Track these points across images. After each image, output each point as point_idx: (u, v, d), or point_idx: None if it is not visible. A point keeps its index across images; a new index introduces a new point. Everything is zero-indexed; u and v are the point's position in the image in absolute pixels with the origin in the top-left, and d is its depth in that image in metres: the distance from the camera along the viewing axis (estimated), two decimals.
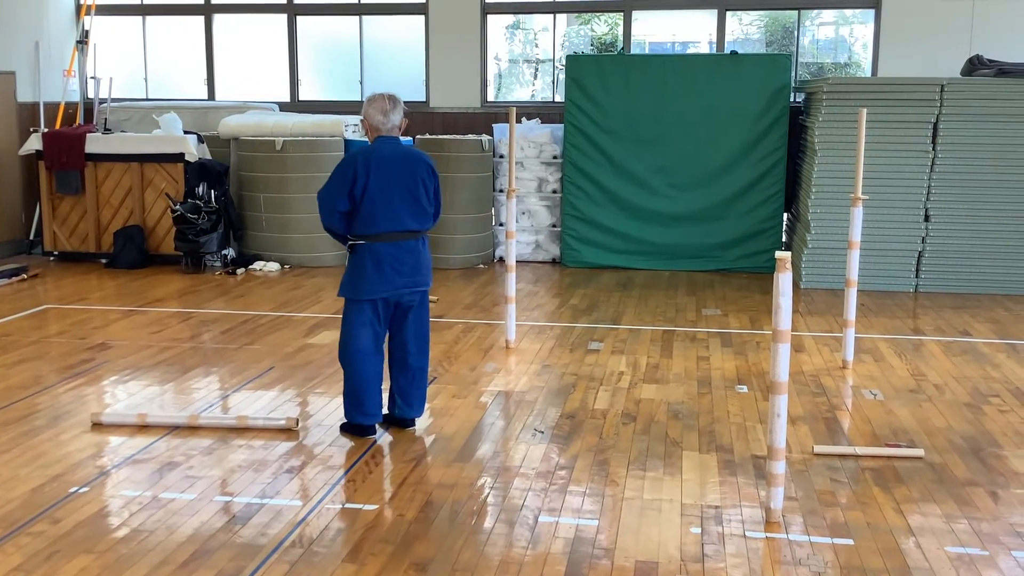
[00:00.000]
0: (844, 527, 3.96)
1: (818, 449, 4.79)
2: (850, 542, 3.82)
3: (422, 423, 5.15)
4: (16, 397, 5.52)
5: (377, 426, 4.99)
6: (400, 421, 5.04)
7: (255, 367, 6.21)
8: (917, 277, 8.84)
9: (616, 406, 5.47)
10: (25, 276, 9.03)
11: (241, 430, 5.00)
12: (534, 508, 4.10)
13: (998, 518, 4.07)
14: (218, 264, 9.62)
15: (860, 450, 4.79)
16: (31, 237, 10.45)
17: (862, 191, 6.34)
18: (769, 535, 3.89)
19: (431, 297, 8.75)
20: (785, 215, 9.91)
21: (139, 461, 4.58)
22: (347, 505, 4.12)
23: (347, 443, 4.87)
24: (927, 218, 8.78)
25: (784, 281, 3.81)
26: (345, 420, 4.98)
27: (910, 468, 4.61)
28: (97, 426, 5.04)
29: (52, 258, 10.04)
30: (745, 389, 5.82)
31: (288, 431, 5.01)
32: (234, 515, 4.00)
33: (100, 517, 3.96)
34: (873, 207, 8.33)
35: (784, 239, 9.93)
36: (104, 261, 9.76)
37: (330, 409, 5.36)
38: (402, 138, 10.25)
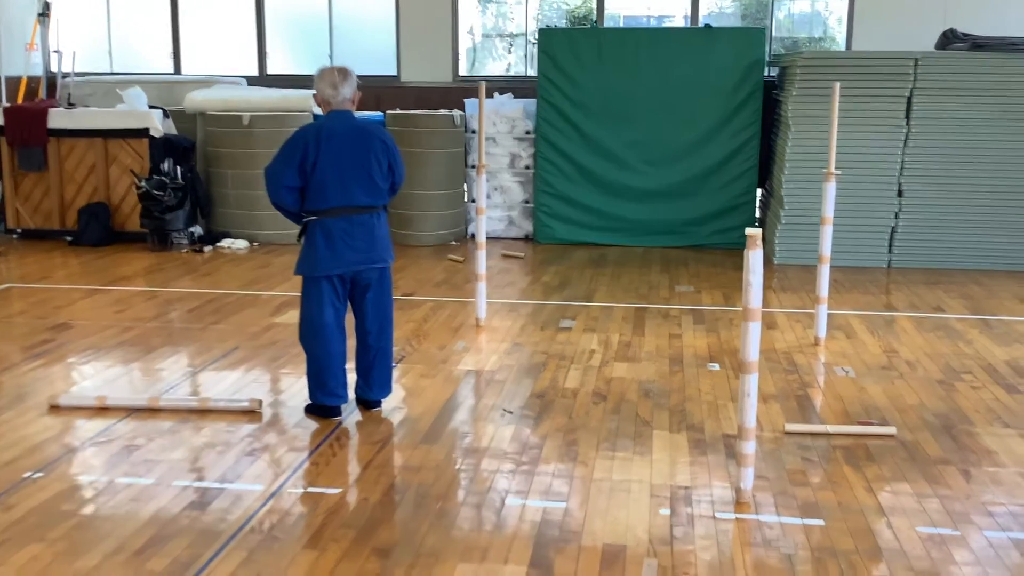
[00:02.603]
0: (815, 507, 3.91)
1: (789, 427, 4.74)
2: (821, 523, 3.77)
3: (389, 403, 5.05)
4: None
5: (344, 407, 4.89)
6: (364, 402, 4.94)
7: (220, 347, 6.09)
8: (890, 252, 8.81)
9: (587, 385, 5.40)
10: None
11: (203, 412, 4.89)
12: (501, 490, 4.03)
13: (970, 496, 4.04)
14: (185, 242, 9.45)
15: (831, 428, 4.75)
16: None
17: (835, 166, 6.27)
18: (739, 516, 3.84)
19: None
20: (759, 190, 9.85)
21: (97, 444, 4.47)
22: (310, 489, 4.03)
23: (312, 425, 4.78)
24: (900, 193, 8.74)
25: (754, 259, 3.73)
26: (309, 401, 4.88)
27: (882, 446, 4.56)
28: (55, 409, 4.91)
29: (15, 236, 9.83)
30: (717, 367, 5.76)
31: (251, 413, 4.90)
32: (193, 500, 3.89)
33: (54, 503, 3.85)
34: (846, 182, 8.27)
35: (758, 215, 9.88)
36: (69, 239, 9.57)
37: (295, 390, 5.26)
38: (372, 113, 10.12)
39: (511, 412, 4.97)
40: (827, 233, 6.14)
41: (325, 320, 4.71)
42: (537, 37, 9.90)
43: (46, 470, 4.17)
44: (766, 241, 9.33)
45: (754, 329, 3.80)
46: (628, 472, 4.22)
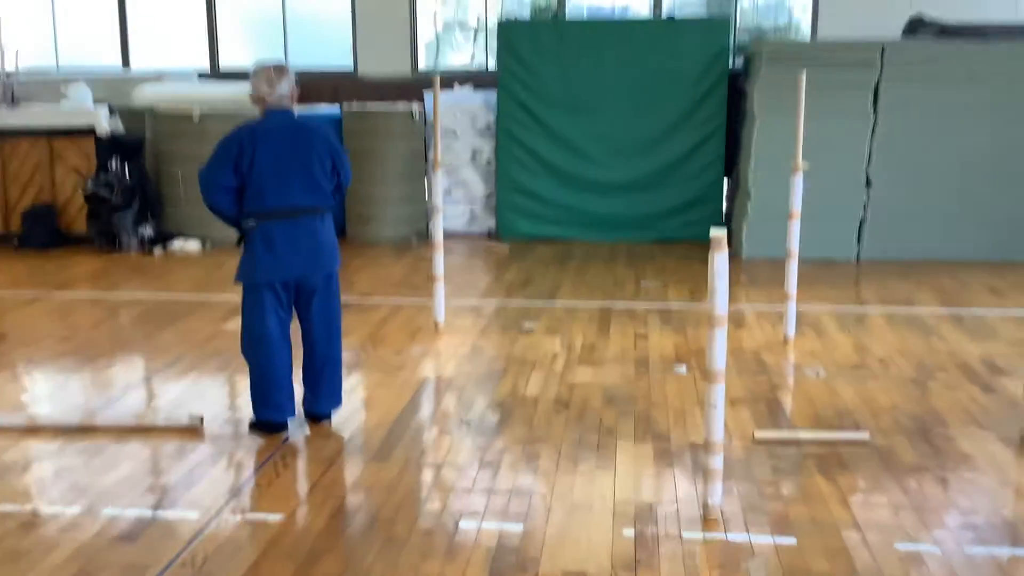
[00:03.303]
0: (787, 523, 3.70)
1: (759, 435, 4.53)
2: (793, 541, 3.56)
3: (341, 416, 4.79)
4: None
5: (291, 422, 4.62)
6: (313, 416, 4.67)
7: (163, 357, 5.79)
8: (859, 244, 8.64)
9: (548, 392, 5.16)
10: None
11: (141, 430, 4.60)
12: (455, 512, 3.78)
13: (947, 507, 3.84)
14: (134, 243, 9.11)
15: (803, 435, 4.54)
16: None
17: (802, 158, 6.07)
18: (707, 535, 3.61)
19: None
20: (726, 181, 9.65)
21: (22, 469, 4.17)
22: (249, 516, 3.76)
23: (257, 443, 4.50)
24: (868, 183, 8.57)
25: (720, 262, 3.51)
26: (253, 417, 4.60)
27: (855, 453, 4.36)
28: None
29: None
30: (684, 370, 5.54)
31: (192, 431, 4.62)
32: (123, 531, 3.61)
33: None
34: (813, 173, 8.00)
35: (725, 207, 9.68)
36: (15, 243, 9.20)
37: (240, 404, 4.98)
38: (328, 106, 9.81)
39: (469, 422, 4.72)
40: (795, 228, 5.95)
41: (268, 330, 4.43)
42: (498, 30, 9.63)
43: None
44: (733, 234, 9.13)
45: (720, 336, 3.58)
46: (590, 488, 3.98)
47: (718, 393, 3.62)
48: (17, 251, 9.00)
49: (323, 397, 4.65)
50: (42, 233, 9.14)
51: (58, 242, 9.18)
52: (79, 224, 9.19)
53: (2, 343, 6.09)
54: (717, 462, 3.69)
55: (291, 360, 4.58)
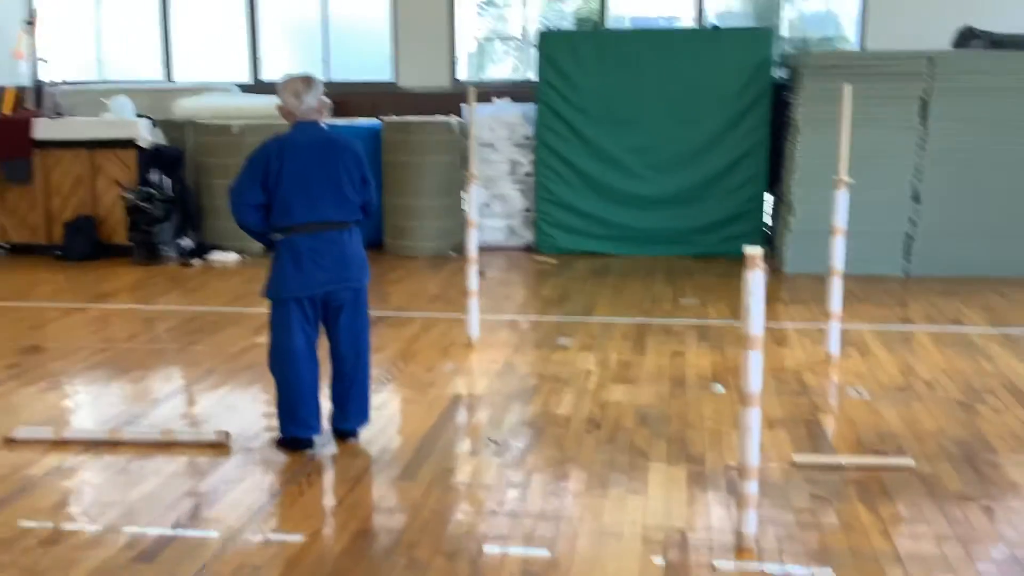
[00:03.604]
0: (825, 554, 3.54)
1: (798, 459, 4.37)
2: (830, 573, 3.40)
3: (369, 433, 4.70)
4: None
5: (317, 439, 4.55)
6: (340, 433, 4.60)
7: (194, 370, 5.76)
8: (906, 261, 8.42)
9: (581, 411, 5.04)
10: None
11: (167, 445, 4.56)
12: (480, 535, 3.68)
13: (994, 539, 3.66)
14: (173, 255, 9.14)
15: (844, 460, 4.38)
16: None
17: (847, 172, 5.91)
18: (740, 564, 3.47)
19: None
20: (769, 196, 9.47)
21: (47, 485, 4.14)
22: (271, 536, 3.68)
23: (283, 460, 4.44)
24: (917, 199, 8.34)
25: (755, 280, 3.38)
26: (280, 434, 4.54)
27: (898, 480, 4.19)
28: (9, 442, 4.58)
29: (2, 251, 9.55)
30: (721, 389, 5.39)
31: (218, 446, 4.56)
32: (142, 550, 3.56)
33: None
34: (859, 187, 7.80)
35: (767, 222, 9.49)
36: (58, 253, 9.28)
37: (269, 419, 4.92)
38: (365, 120, 9.80)
39: (497, 443, 4.61)
40: (839, 244, 5.78)
41: (295, 345, 4.37)
42: (538, 40, 9.55)
43: None
44: (775, 249, 8.95)
45: (755, 358, 3.44)
46: (620, 513, 3.86)
47: (753, 416, 3.48)
48: (58, 262, 9.08)
49: (351, 414, 4.57)
50: (83, 244, 9.21)
51: (99, 253, 9.24)
52: (119, 235, 9.25)
53: (37, 354, 6.10)
54: (752, 488, 3.55)
55: (318, 376, 4.51)
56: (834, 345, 5.89)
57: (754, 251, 3.36)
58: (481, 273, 8.44)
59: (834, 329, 5.88)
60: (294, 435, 4.47)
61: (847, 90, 5.73)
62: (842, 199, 5.76)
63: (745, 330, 3.42)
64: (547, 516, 3.83)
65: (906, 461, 4.36)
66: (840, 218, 5.77)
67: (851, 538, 3.66)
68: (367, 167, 4.46)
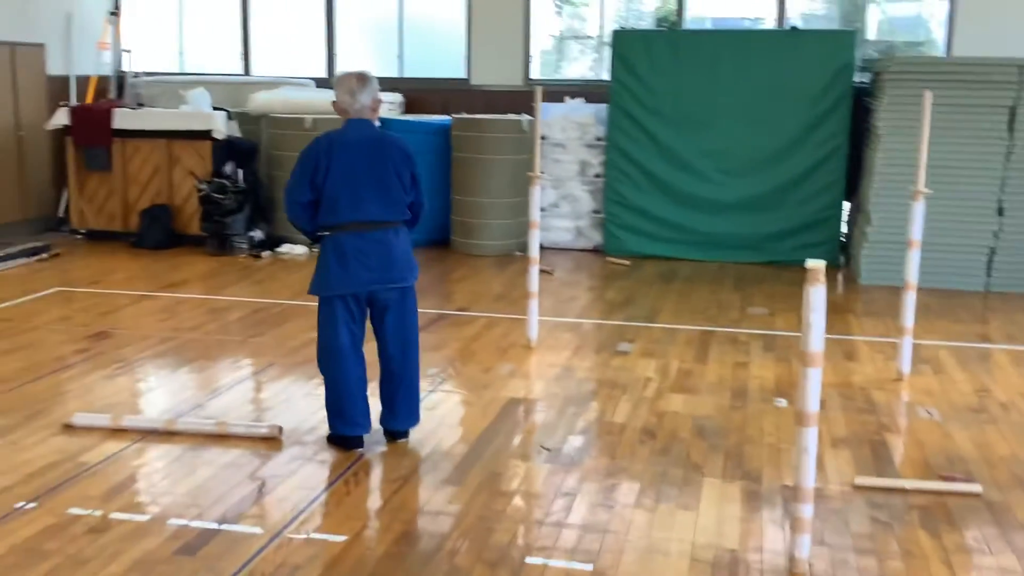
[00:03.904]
0: None
1: (859, 481, 4.20)
2: None
3: (420, 433, 4.67)
4: None
5: (367, 437, 4.53)
6: (389, 433, 4.57)
7: (255, 362, 5.80)
8: (989, 276, 8.09)
9: (636, 420, 4.93)
10: (46, 255, 8.76)
11: (220, 437, 4.58)
12: (523, 546, 3.60)
13: None
14: (244, 246, 9.25)
15: (908, 484, 4.20)
16: (60, 214, 10.20)
17: (928, 183, 5.68)
18: None
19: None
20: (847, 204, 9.20)
21: (100, 472, 4.18)
22: (313, 535, 3.66)
23: (333, 457, 4.42)
24: (1001, 212, 8.02)
25: (815, 296, 3.24)
26: (329, 432, 4.53)
27: (965, 507, 4.00)
28: (68, 428, 4.66)
29: (79, 237, 9.78)
30: (784, 403, 5.23)
31: (271, 440, 4.57)
32: (186, 543, 3.56)
33: (38, 540, 3.56)
34: (941, 199, 7.57)
35: (844, 231, 9.22)
36: (133, 241, 9.46)
37: (323, 415, 4.90)
38: (440, 117, 9.79)
39: (549, 449, 4.54)
40: (914, 258, 5.56)
41: (341, 343, 4.35)
42: (612, 39, 9.43)
43: (40, 500, 3.89)
44: (851, 259, 8.70)
45: (814, 376, 3.30)
46: (669, 530, 3.75)
47: (810, 437, 3.34)
48: (133, 250, 9.25)
49: (399, 414, 4.54)
50: (158, 233, 9.38)
51: (172, 242, 9.40)
52: (193, 226, 9.39)
53: (106, 340, 6.21)
54: (806, 511, 3.41)
55: (365, 375, 4.49)
56: (906, 362, 5.68)
57: (816, 264, 3.22)
58: (549, 271, 8.42)
59: (906, 345, 5.66)
60: (342, 433, 4.45)
61: (927, 97, 5.51)
62: (919, 210, 5.54)
63: (804, 346, 3.29)
64: (594, 528, 3.74)
65: (974, 487, 4.16)
66: (916, 230, 5.55)
67: (910, 566, 3.50)
68: (417, 167, 4.42)
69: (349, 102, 4.32)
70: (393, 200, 4.32)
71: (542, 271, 8.45)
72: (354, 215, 4.27)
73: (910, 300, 5.62)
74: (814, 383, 3.31)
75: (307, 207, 4.31)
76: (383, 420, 4.56)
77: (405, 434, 4.58)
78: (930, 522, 3.86)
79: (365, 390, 4.48)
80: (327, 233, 4.34)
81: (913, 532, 3.78)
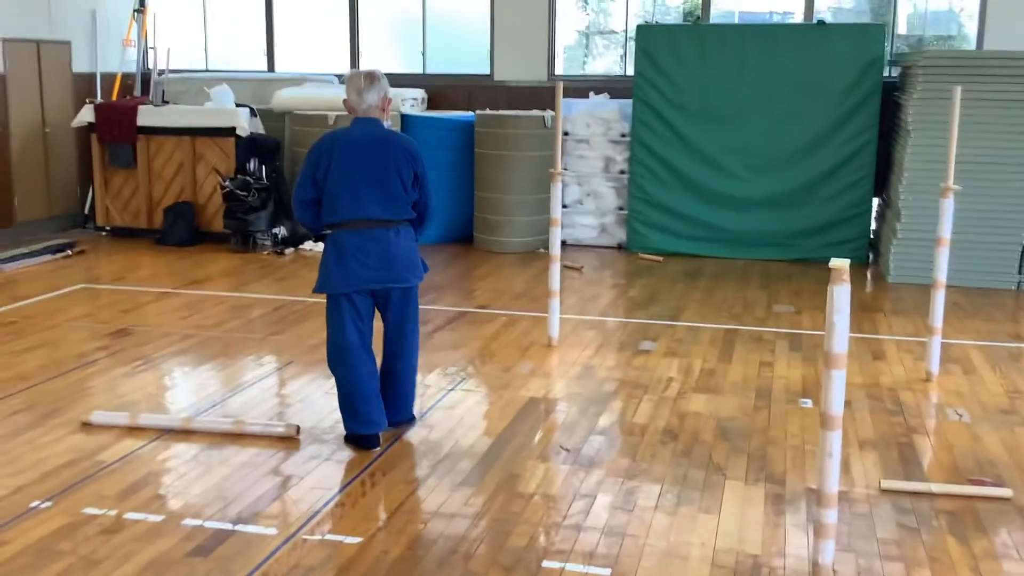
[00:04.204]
0: None
1: (885, 484, 4.11)
2: None
3: (438, 434, 4.63)
4: (13, 389, 5.18)
5: (383, 435, 4.50)
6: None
7: (275, 360, 5.78)
8: (1021, 274, 7.93)
9: (658, 420, 4.86)
10: (71, 252, 8.80)
11: (236, 436, 4.56)
12: (540, 549, 3.54)
13: None
14: (268, 243, 9.25)
15: (936, 487, 4.09)
16: (86, 211, 10.25)
17: (958, 179, 5.56)
18: None
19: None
20: (876, 201, 9.06)
21: (116, 471, 4.16)
22: (327, 537, 3.62)
23: (350, 457, 4.39)
24: None
25: (840, 296, 3.15)
26: (345, 431, 4.49)
27: (994, 512, 3.90)
28: (86, 426, 4.65)
29: (104, 233, 9.82)
30: (810, 404, 5.14)
31: (288, 440, 4.54)
32: (199, 544, 3.53)
33: (52, 540, 3.54)
34: (971, 195, 7.41)
35: (873, 227, 9.08)
36: (157, 238, 9.49)
37: (337, 415, 4.87)
38: (460, 113, 9.72)
39: (568, 450, 4.47)
40: (943, 255, 5.44)
41: (348, 341, 4.36)
42: (636, 34, 9.33)
43: (56, 499, 3.88)
44: (880, 257, 8.57)
45: (837, 378, 3.22)
46: (690, 533, 3.67)
47: (834, 440, 3.26)
48: (157, 246, 9.27)
49: (389, 408, 4.56)
50: (181, 230, 9.39)
51: (196, 239, 9.41)
52: (217, 223, 9.40)
53: (127, 337, 6.21)
54: (830, 516, 3.33)
55: (376, 372, 4.49)
56: (934, 363, 5.56)
57: (840, 263, 3.14)
58: (578, 268, 8.36)
59: (935, 345, 5.54)
60: (356, 431, 4.43)
61: (957, 92, 5.39)
62: (948, 207, 5.42)
63: (827, 348, 3.21)
64: (613, 531, 3.67)
65: (1004, 492, 4.05)
66: (946, 228, 5.43)
67: (937, 573, 3.40)
68: (423, 166, 4.40)
69: (357, 101, 4.32)
70: (393, 199, 4.30)
71: (571, 268, 8.43)
72: (353, 213, 4.27)
73: (939, 299, 5.50)
74: (838, 385, 3.22)
75: (310, 204, 4.34)
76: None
77: (400, 423, 4.63)
78: (958, 527, 3.76)
79: (377, 387, 4.47)
80: (328, 231, 4.38)
81: (941, 538, 3.68)
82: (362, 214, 4.28)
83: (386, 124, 4.43)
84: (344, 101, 4.38)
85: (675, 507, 3.89)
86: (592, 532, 3.67)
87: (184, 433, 4.59)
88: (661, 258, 8.87)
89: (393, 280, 4.35)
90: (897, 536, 3.69)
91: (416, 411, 4.80)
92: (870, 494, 4.04)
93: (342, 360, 4.39)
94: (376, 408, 4.43)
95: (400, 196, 4.32)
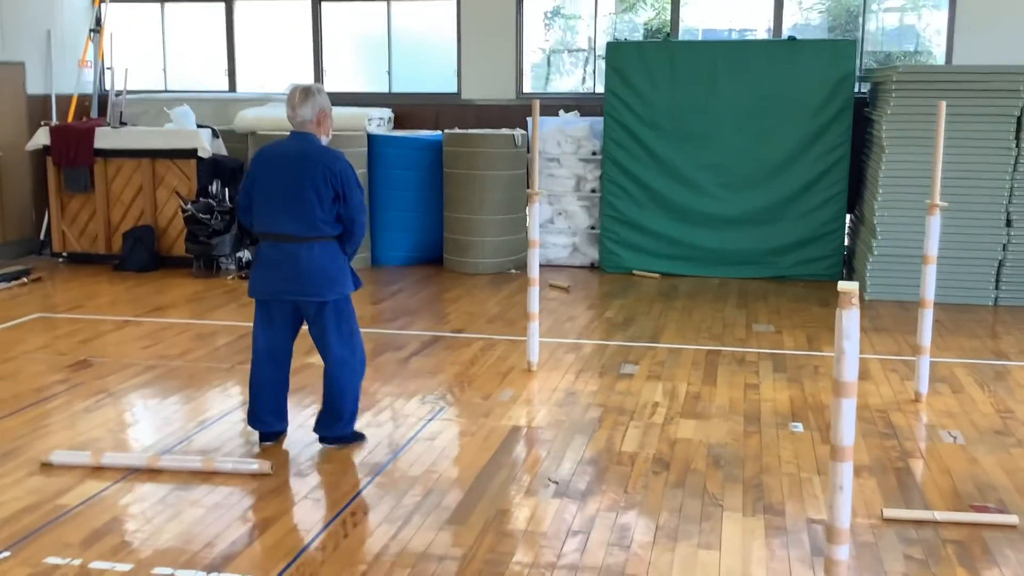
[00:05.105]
0: None
1: (888, 513, 3.97)
2: None
3: (419, 468, 4.43)
4: None
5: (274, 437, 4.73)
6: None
7: (242, 392, 5.53)
8: (997, 289, 7.89)
9: (647, 448, 4.69)
10: (26, 280, 8.47)
11: (207, 475, 4.32)
12: None
13: None
14: (232, 267, 9.00)
15: (939, 515, 3.96)
16: (42, 237, 9.92)
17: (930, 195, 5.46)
18: None
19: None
20: (848, 217, 9.00)
21: (80, 515, 3.91)
22: None
23: (326, 495, 4.17)
24: (1009, 223, 7.82)
25: (850, 321, 3.00)
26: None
27: (1003, 540, 3.77)
28: (46, 466, 4.38)
29: (61, 260, 9.49)
30: (800, 428, 5.00)
31: (262, 476, 4.31)
32: None
33: None
34: (947, 211, 7.36)
35: (847, 244, 9.02)
36: (116, 264, 9.18)
37: (315, 449, 4.66)
38: (430, 132, 9.54)
39: (556, 482, 4.28)
40: (930, 274, 5.34)
41: (256, 343, 4.61)
42: (605, 51, 9.22)
43: (15, 548, 3.62)
44: (855, 273, 8.49)
45: (848, 408, 3.06)
46: (691, 571, 3.50)
47: (845, 473, 3.10)
48: (116, 272, 8.98)
49: (319, 422, 4.69)
50: (141, 255, 9.11)
51: (157, 264, 9.13)
52: (178, 247, 9.13)
53: (87, 370, 5.93)
54: (842, 553, 3.16)
55: (277, 376, 4.62)
56: (923, 383, 5.45)
57: (849, 288, 2.99)
58: (564, 288, 8.20)
59: (924, 364, 5.43)
60: (251, 425, 4.69)
61: (942, 107, 5.31)
62: (934, 225, 5.33)
63: (837, 375, 3.05)
64: (609, 571, 3.49)
65: (1009, 519, 3.93)
66: (932, 245, 5.34)
67: None
68: (347, 184, 4.39)
69: (291, 115, 4.41)
70: (306, 216, 4.36)
71: (557, 287, 8.26)
72: (269, 227, 4.44)
73: (927, 317, 5.40)
74: (848, 414, 3.07)
75: (246, 212, 4.56)
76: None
77: (329, 441, 4.67)
78: (967, 558, 3.63)
79: (274, 391, 4.63)
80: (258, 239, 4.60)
81: (950, 570, 3.54)
82: (276, 228, 4.41)
83: (323, 140, 4.49)
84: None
85: (674, 543, 3.71)
86: (589, 572, 3.48)
87: (150, 472, 4.34)
88: (658, 275, 8.76)
89: (302, 293, 4.43)
90: (906, 569, 3.54)
91: (396, 440, 4.72)
92: (873, 524, 3.90)
93: (252, 359, 4.64)
94: (270, 409, 4.63)
95: (314, 214, 4.35)
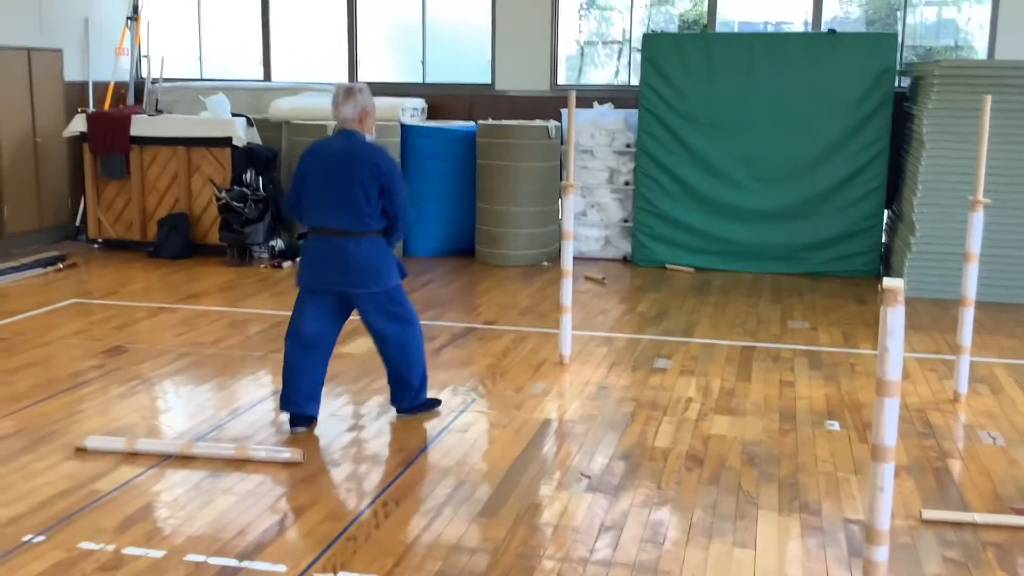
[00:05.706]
0: None
1: (927, 515, 3.90)
2: None
3: (451, 460, 4.41)
4: (4, 411, 4.93)
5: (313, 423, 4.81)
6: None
7: (275, 380, 5.53)
8: None
9: (680, 444, 4.64)
10: (61, 265, 8.55)
11: (239, 462, 4.32)
12: None
13: None
14: (265, 256, 9.03)
15: (979, 517, 3.89)
16: (78, 223, 10.00)
17: (973, 192, 5.36)
18: None
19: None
20: (886, 213, 8.88)
21: (114, 501, 3.93)
22: (340, 574, 3.39)
23: (357, 486, 4.17)
24: None
25: (894, 319, 2.94)
26: None
27: None
28: (80, 452, 4.41)
29: (96, 246, 9.57)
30: (837, 426, 4.93)
31: (294, 465, 4.31)
32: None
33: None
34: (989, 207, 7.23)
35: (884, 240, 8.90)
36: (150, 251, 9.24)
37: (351, 436, 4.66)
38: (456, 123, 9.53)
39: (589, 477, 4.25)
40: (972, 272, 5.25)
41: (297, 330, 4.68)
42: (641, 43, 9.14)
43: (49, 532, 3.64)
44: (892, 271, 8.38)
45: (891, 407, 3.01)
46: (726, 570, 3.45)
47: (886, 474, 3.04)
48: (150, 259, 9.03)
49: (392, 397, 4.94)
50: (176, 242, 9.15)
51: (191, 252, 9.18)
52: (212, 235, 9.17)
53: (121, 356, 5.97)
54: (881, 554, 3.11)
55: (311, 364, 4.68)
56: (963, 383, 5.36)
57: (894, 285, 2.93)
58: (600, 280, 8.16)
59: (964, 364, 5.34)
60: (281, 407, 4.76)
61: (987, 102, 5.21)
62: (977, 222, 5.23)
63: (880, 374, 2.99)
64: (643, 568, 3.45)
65: None
66: (974, 243, 5.24)
67: None
68: (392, 179, 4.53)
69: (335, 113, 4.58)
70: (353, 211, 4.49)
71: (593, 280, 8.23)
72: (317, 221, 4.59)
73: (968, 316, 5.31)
74: (891, 414, 3.01)
75: (295, 205, 4.72)
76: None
77: (406, 411, 4.94)
78: (1008, 561, 3.56)
79: (313, 377, 4.71)
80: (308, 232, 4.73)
81: (990, 573, 3.47)
82: (324, 223, 4.56)
83: (368, 137, 4.63)
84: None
85: (708, 541, 3.67)
86: (622, 569, 3.45)
87: (184, 459, 4.35)
88: (691, 269, 8.70)
89: (349, 285, 4.58)
90: (945, 571, 3.48)
91: (428, 431, 4.76)
92: (911, 525, 3.84)
93: (288, 344, 4.72)
94: (302, 392, 4.69)
95: (361, 209, 4.49)
